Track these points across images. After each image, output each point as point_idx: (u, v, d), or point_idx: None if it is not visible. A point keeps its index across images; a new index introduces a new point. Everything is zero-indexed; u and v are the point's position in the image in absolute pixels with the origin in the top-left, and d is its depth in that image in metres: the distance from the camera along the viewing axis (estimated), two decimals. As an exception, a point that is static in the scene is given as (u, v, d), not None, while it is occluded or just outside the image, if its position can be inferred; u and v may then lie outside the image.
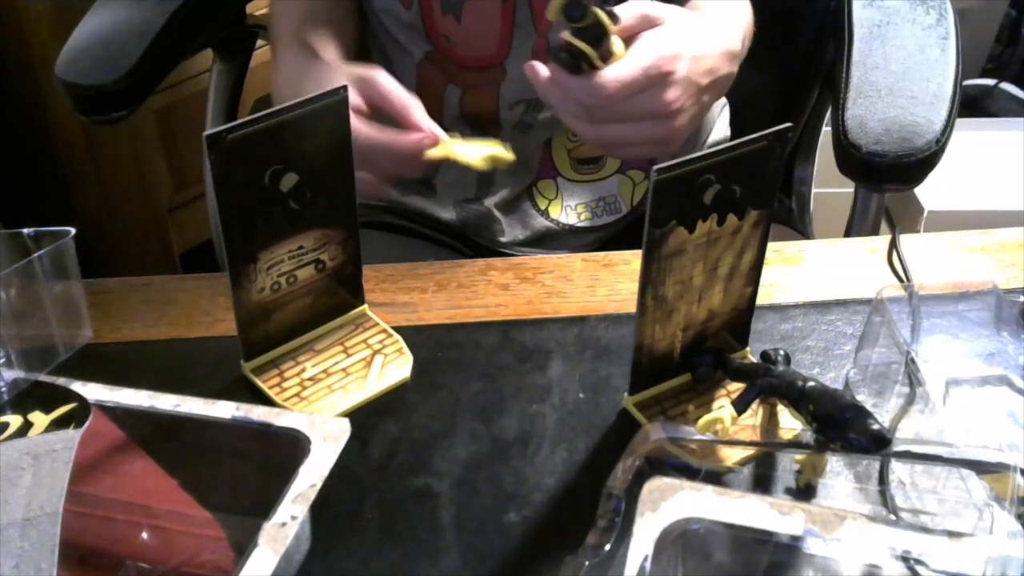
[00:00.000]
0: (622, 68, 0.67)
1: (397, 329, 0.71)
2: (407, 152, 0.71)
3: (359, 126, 0.69)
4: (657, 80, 0.67)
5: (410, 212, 0.97)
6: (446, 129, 0.93)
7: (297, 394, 0.65)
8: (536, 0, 0.84)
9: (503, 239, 0.95)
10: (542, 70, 0.68)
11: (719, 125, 1.02)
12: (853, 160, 0.79)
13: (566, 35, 0.67)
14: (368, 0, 0.92)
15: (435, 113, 0.91)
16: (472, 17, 0.86)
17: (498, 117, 0.90)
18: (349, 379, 0.67)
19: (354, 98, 0.70)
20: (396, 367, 0.68)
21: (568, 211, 0.95)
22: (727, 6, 0.81)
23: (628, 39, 0.69)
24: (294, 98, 0.61)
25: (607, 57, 0.67)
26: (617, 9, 0.69)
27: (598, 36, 0.67)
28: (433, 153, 0.71)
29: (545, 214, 0.94)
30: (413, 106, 0.72)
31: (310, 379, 0.66)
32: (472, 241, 0.96)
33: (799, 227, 1.09)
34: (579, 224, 0.95)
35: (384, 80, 0.73)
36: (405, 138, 0.71)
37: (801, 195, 1.12)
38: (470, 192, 0.94)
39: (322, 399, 0.65)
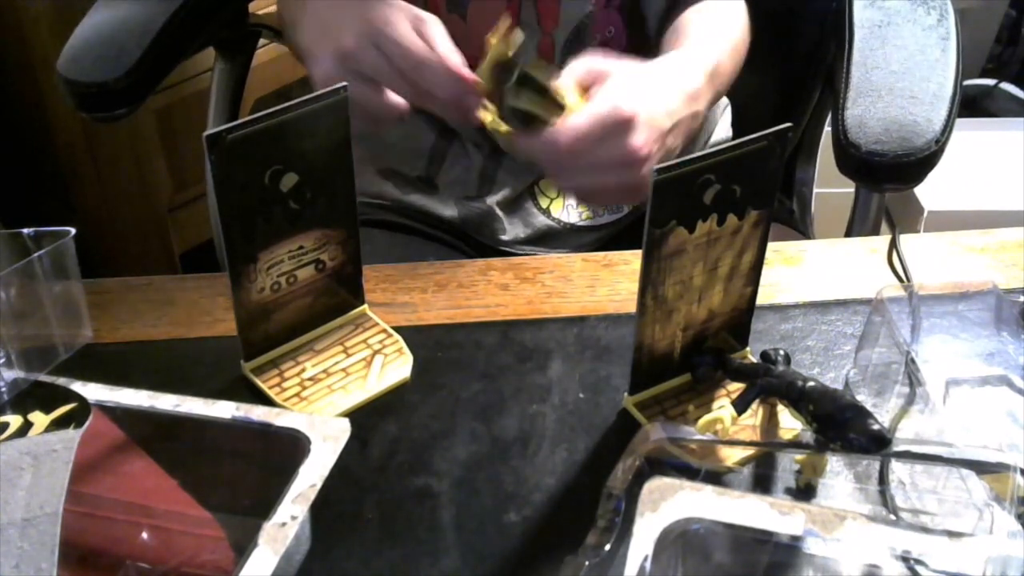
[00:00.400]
0: (575, 120, 0.67)
1: (397, 329, 0.71)
2: (452, 76, 0.69)
3: (418, 41, 0.68)
4: (617, 128, 0.67)
5: (411, 210, 0.97)
6: (453, 132, 0.94)
7: (297, 394, 0.65)
8: (541, 0, 0.85)
9: (504, 237, 0.95)
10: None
11: (721, 126, 1.02)
12: (853, 160, 0.79)
13: (508, 99, 0.68)
14: None
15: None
16: (477, 16, 0.86)
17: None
18: (349, 379, 0.67)
19: (416, 22, 0.70)
20: (396, 367, 0.68)
21: (570, 209, 0.95)
22: (700, 36, 0.81)
23: (585, 91, 0.69)
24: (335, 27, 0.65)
25: (555, 112, 0.68)
26: (568, 64, 0.70)
27: (540, 92, 0.68)
28: (484, 116, 0.70)
29: (547, 212, 0.94)
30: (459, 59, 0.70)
31: (310, 379, 0.66)
32: (473, 239, 0.96)
33: (800, 228, 1.09)
34: (581, 223, 0.95)
35: (434, 22, 0.71)
36: (455, 67, 0.69)
37: (802, 196, 1.12)
38: (471, 190, 0.94)
39: (322, 399, 0.65)
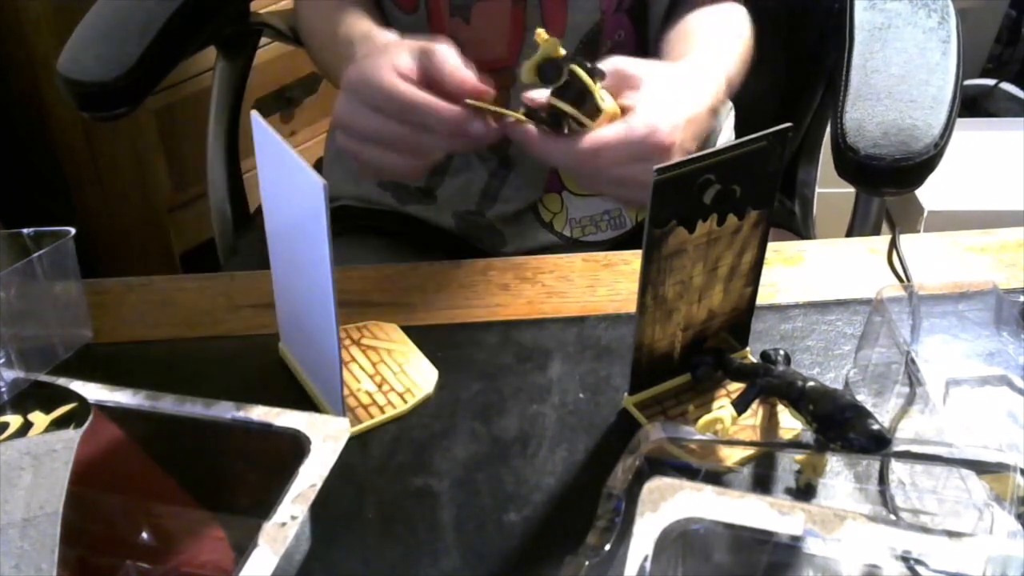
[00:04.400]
0: (609, 134, 0.65)
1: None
2: (443, 112, 0.67)
3: (401, 83, 0.67)
4: (652, 151, 0.65)
5: (410, 220, 0.96)
6: None
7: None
8: (547, 3, 0.84)
9: (505, 249, 0.94)
10: (525, 134, 0.67)
11: (725, 128, 1.02)
12: (851, 163, 0.79)
13: (548, 97, 0.66)
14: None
15: None
16: (481, 19, 0.85)
17: None
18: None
19: (405, 63, 0.68)
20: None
21: (573, 225, 0.94)
22: (715, 40, 0.80)
23: (615, 94, 0.68)
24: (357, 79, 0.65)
25: (594, 115, 0.66)
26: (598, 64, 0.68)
27: (580, 94, 0.66)
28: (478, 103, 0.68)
29: (549, 227, 0.94)
30: (468, 75, 0.69)
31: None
32: (475, 248, 0.96)
33: (801, 230, 1.09)
34: (584, 238, 0.94)
35: (443, 49, 0.69)
36: (448, 106, 0.67)
37: (804, 197, 1.12)
38: (471, 204, 0.93)
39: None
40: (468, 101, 0.67)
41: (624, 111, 0.67)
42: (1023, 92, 2.15)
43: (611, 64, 0.69)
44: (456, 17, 0.86)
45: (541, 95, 0.68)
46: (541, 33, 0.66)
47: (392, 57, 0.69)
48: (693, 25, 0.83)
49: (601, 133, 0.66)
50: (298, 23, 0.97)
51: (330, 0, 0.85)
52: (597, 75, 0.67)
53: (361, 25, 0.80)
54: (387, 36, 0.77)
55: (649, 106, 0.67)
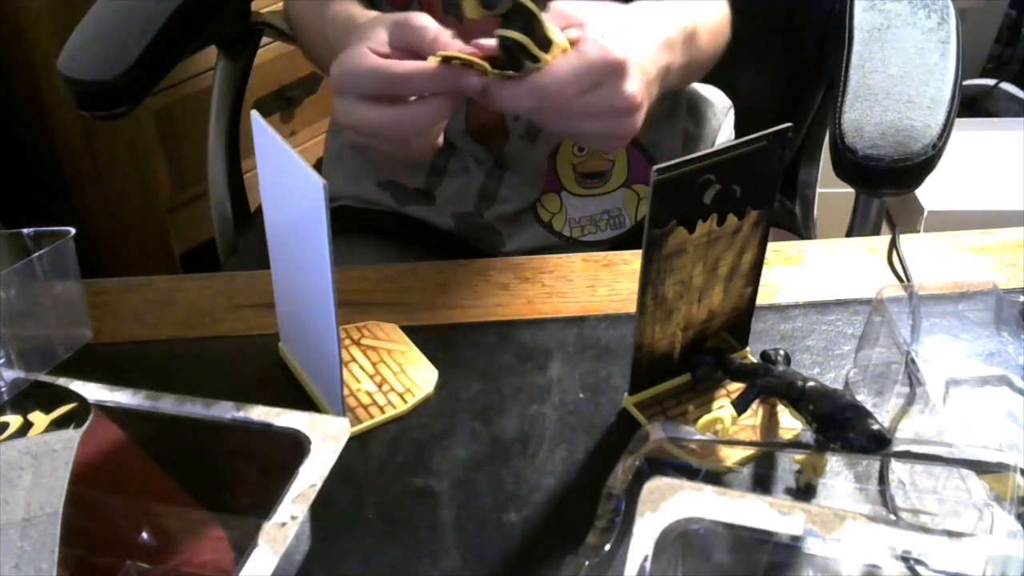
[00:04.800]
0: (566, 63, 0.64)
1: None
2: (432, 73, 0.65)
3: (381, 62, 0.66)
4: (610, 73, 0.64)
5: (409, 220, 0.96)
6: (453, 146, 0.93)
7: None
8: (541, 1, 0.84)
9: (505, 249, 0.94)
10: (482, 87, 0.66)
11: (725, 128, 1.02)
12: (849, 164, 0.79)
13: (498, 31, 0.65)
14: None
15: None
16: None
17: (505, 126, 0.90)
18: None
19: (380, 40, 0.67)
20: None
21: (572, 225, 0.94)
22: (678, 4, 0.78)
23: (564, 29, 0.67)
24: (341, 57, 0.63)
25: (545, 47, 0.64)
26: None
27: (528, 26, 0.64)
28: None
29: (549, 227, 0.93)
30: (446, 33, 0.67)
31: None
32: (474, 248, 0.96)
33: (801, 231, 1.09)
34: (583, 238, 0.94)
35: (417, 16, 0.68)
36: (426, 66, 0.65)
37: (805, 198, 1.12)
38: (469, 206, 0.93)
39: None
40: (438, 54, 0.65)
41: (573, 45, 0.66)
42: (1023, 92, 2.15)
43: (554, 5, 0.68)
44: (449, 14, 0.85)
45: (489, 41, 0.66)
46: None
47: (367, 39, 0.68)
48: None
49: (556, 65, 0.64)
50: (290, 20, 0.97)
51: None
52: (541, 4, 0.65)
53: (344, 11, 0.79)
54: (366, 16, 0.76)
55: (597, 32, 0.66)
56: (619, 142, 0.70)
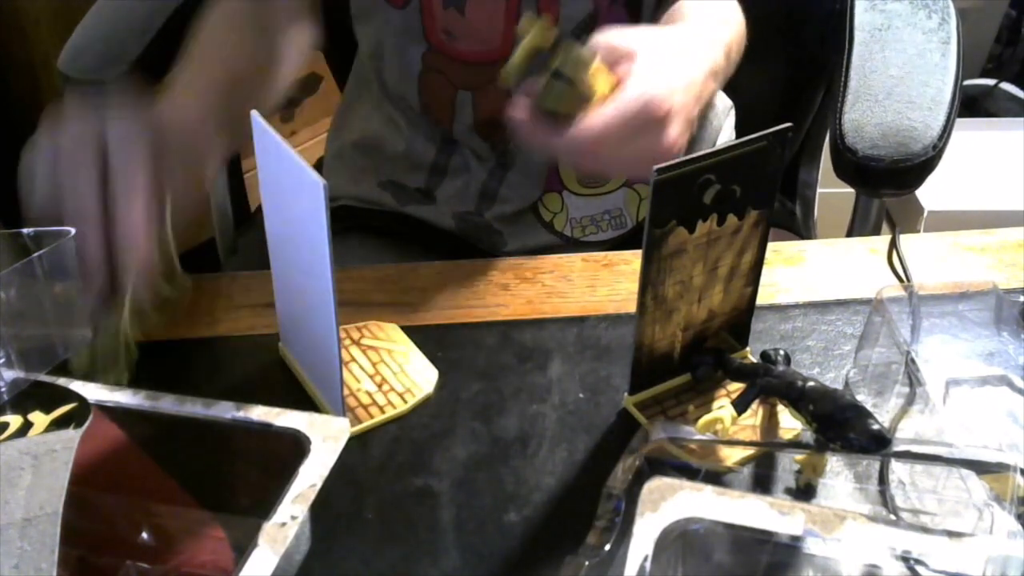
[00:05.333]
0: (606, 113, 0.63)
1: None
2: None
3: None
4: (650, 122, 0.63)
5: (410, 220, 0.96)
6: (455, 143, 0.92)
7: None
8: None
9: (505, 249, 0.94)
10: (527, 131, 0.64)
11: (725, 129, 1.02)
12: (849, 164, 0.79)
13: (538, 98, 0.63)
14: (361, 15, 0.91)
15: (447, 123, 0.91)
16: (476, 10, 0.84)
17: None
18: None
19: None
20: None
21: (573, 224, 0.94)
22: (712, 14, 0.78)
23: (610, 71, 0.65)
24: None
25: (589, 98, 0.63)
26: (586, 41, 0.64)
27: (571, 84, 0.62)
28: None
29: (550, 227, 0.93)
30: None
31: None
32: (474, 248, 0.96)
33: (801, 231, 1.09)
34: (584, 238, 0.94)
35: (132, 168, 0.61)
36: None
37: (805, 198, 1.12)
38: (470, 205, 0.93)
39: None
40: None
41: (617, 84, 0.65)
42: (1023, 92, 2.15)
43: (602, 39, 0.66)
44: (450, 8, 0.85)
45: (523, 108, 0.64)
46: (528, 20, 0.62)
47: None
48: (683, 9, 0.80)
49: (597, 116, 0.63)
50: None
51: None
52: (585, 63, 0.63)
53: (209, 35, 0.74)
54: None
55: (640, 75, 0.64)
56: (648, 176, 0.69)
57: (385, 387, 0.67)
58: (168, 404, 0.58)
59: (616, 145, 0.64)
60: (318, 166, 1.03)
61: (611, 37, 0.66)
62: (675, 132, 0.64)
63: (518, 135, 0.66)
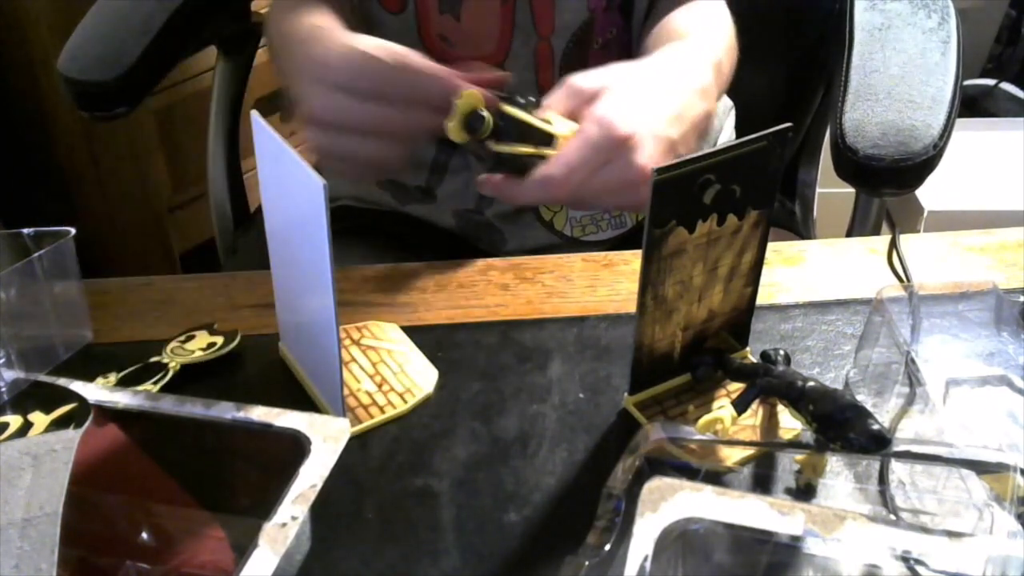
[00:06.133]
0: (567, 153, 0.63)
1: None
2: (430, 72, 0.62)
3: (378, 50, 0.62)
4: (615, 150, 0.62)
5: (410, 220, 0.96)
6: (455, 148, 0.92)
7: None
8: (536, 1, 0.84)
9: (505, 248, 0.94)
10: (492, 185, 0.65)
11: (725, 128, 1.02)
12: (850, 164, 0.79)
13: (490, 146, 0.65)
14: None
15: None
16: (471, 16, 0.85)
17: None
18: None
19: (369, 43, 0.64)
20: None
21: (573, 224, 0.94)
22: (696, 32, 0.77)
23: (576, 114, 0.65)
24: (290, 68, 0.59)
25: (550, 142, 0.64)
26: (552, 91, 0.65)
27: (521, 131, 0.64)
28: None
29: (549, 226, 0.93)
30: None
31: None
32: (475, 247, 0.96)
33: (801, 231, 1.09)
34: (584, 237, 0.94)
35: (406, 49, 0.64)
36: (440, 67, 0.63)
37: (805, 198, 1.12)
38: (470, 203, 0.93)
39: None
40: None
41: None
42: (1023, 92, 2.15)
43: (570, 82, 0.67)
44: (446, 13, 0.85)
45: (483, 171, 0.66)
46: (461, 94, 0.64)
47: (356, 39, 0.65)
48: (673, 21, 0.81)
49: (562, 154, 0.63)
50: (266, 28, 0.96)
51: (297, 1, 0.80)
52: (530, 106, 0.65)
53: (314, 19, 0.75)
54: (339, 29, 0.72)
55: (600, 106, 0.64)
56: (640, 208, 0.66)
57: (385, 387, 0.67)
58: (168, 404, 0.58)
59: (586, 178, 0.63)
60: (317, 166, 1.03)
61: (577, 80, 0.67)
62: (646, 155, 0.64)
63: (491, 193, 0.66)
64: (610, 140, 0.63)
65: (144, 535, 0.56)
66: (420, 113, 0.65)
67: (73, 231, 0.67)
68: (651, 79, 0.69)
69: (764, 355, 0.65)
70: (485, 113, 0.64)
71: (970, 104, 2.12)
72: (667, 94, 0.68)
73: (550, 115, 0.66)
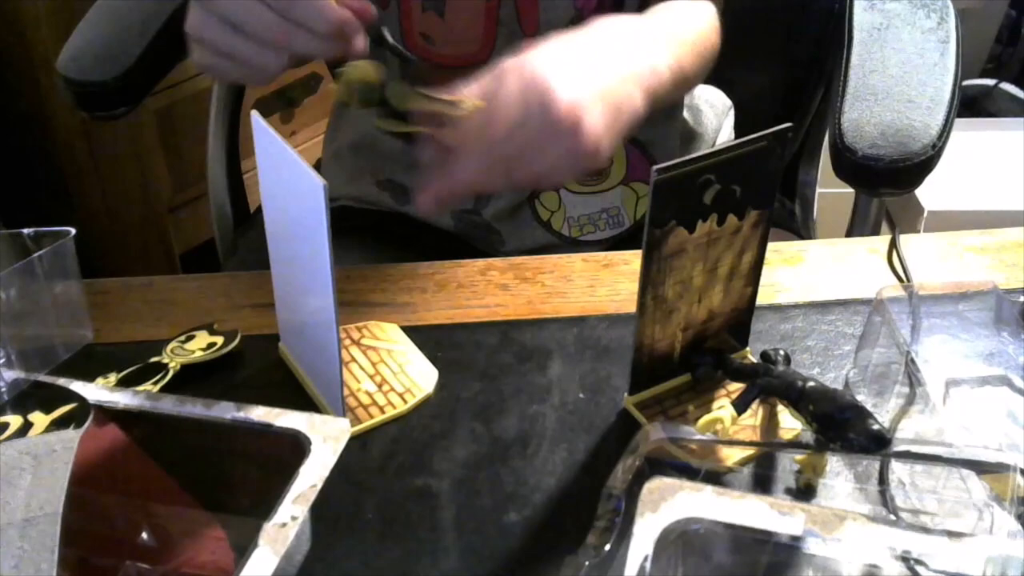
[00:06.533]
0: (486, 97, 0.60)
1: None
2: (339, 16, 0.61)
3: None
4: (531, 82, 0.59)
5: (410, 220, 0.96)
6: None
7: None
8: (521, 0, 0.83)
9: (504, 248, 0.94)
10: (425, 198, 0.63)
11: (725, 128, 1.02)
12: (849, 164, 0.79)
13: (379, 124, 0.64)
14: None
15: None
16: (455, 14, 0.84)
17: None
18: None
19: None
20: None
21: (571, 223, 0.94)
22: (670, 17, 0.75)
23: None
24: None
25: (455, 108, 0.62)
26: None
27: (402, 102, 0.63)
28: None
29: (547, 226, 0.93)
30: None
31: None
32: (474, 248, 0.96)
33: (801, 231, 1.09)
34: (582, 237, 0.94)
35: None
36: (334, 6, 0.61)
37: (805, 198, 1.12)
38: (468, 203, 0.93)
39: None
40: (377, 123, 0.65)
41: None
42: (1023, 92, 2.15)
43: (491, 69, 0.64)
44: (429, 11, 0.84)
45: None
46: (355, 64, 0.64)
47: None
48: (651, 11, 0.77)
49: (481, 107, 0.61)
50: None
51: None
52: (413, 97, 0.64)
53: None
54: None
55: (509, 61, 0.62)
56: (579, 162, 0.61)
57: (385, 387, 0.67)
58: (168, 404, 0.58)
59: (515, 128, 0.60)
60: (318, 166, 1.04)
61: (502, 62, 0.64)
62: (565, 90, 0.59)
63: (429, 204, 0.64)
64: (521, 82, 0.60)
65: (144, 535, 0.56)
66: (296, 30, 0.63)
67: (73, 231, 0.67)
68: (567, 43, 0.65)
69: (764, 355, 0.65)
70: (378, 88, 0.64)
71: (970, 104, 2.12)
72: (584, 49, 0.64)
73: (461, 93, 0.63)
